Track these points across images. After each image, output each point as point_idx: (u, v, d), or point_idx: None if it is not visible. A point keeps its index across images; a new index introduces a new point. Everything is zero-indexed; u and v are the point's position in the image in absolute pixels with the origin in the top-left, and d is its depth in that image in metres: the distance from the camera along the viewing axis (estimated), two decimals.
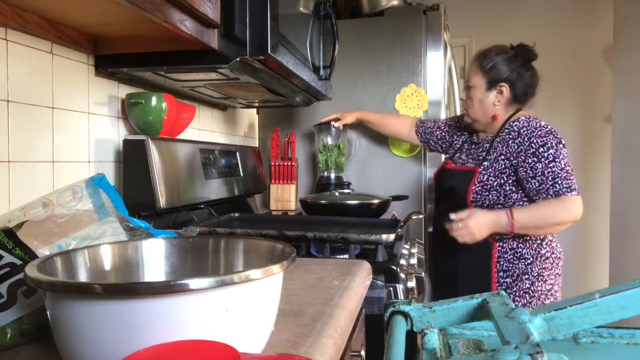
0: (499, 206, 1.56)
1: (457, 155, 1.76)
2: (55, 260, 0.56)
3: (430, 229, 1.96)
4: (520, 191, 1.55)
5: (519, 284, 1.55)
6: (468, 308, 0.57)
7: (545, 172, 1.48)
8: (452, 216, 1.52)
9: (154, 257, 0.68)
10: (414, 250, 1.40)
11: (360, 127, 2.13)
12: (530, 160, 1.50)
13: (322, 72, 1.64)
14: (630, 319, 0.50)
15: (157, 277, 0.67)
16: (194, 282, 0.44)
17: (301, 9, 1.44)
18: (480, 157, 1.63)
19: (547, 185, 1.48)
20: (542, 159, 1.49)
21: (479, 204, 1.58)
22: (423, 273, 1.27)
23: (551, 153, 1.48)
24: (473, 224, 1.49)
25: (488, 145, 1.64)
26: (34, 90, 1.00)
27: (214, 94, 1.57)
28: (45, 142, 1.03)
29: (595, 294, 0.51)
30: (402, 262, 1.23)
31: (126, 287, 0.45)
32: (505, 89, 1.59)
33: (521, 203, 1.55)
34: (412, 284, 1.16)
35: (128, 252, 0.66)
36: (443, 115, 2.11)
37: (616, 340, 0.62)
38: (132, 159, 1.23)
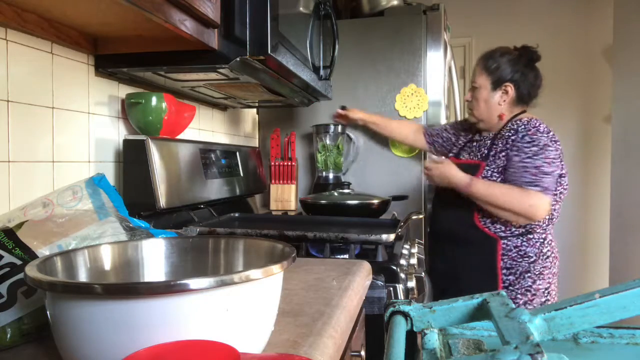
0: None
1: (461, 153, 1.79)
2: (55, 260, 0.56)
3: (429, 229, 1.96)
4: None
5: (521, 281, 1.57)
6: (468, 308, 0.57)
7: (520, 164, 1.53)
8: (433, 157, 1.70)
9: (154, 257, 0.68)
10: (414, 250, 1.40)
11: (360, 127, 2.13)
12: (513, 153, 1.55)
13: (322, 72, 1.64)
14: (630, 319, 0.50)
15: (157, 277, 0.67)
16: (194, 282, 0.44)
17: (301, 9, 1.44)
18: (484, 154, 1.65)
19: (517, 176, 1.53)
20: (522, 154, 1.54)
21: None
22: (423, 273, 1.27)
23: (533, 150, 1.53)
24: (441, 170, 1.61)
25: (489, 142, 1.66)
26: (34, 90, 1.00)
27: (214, 94, 1.57)
28: (45, 142, 1.03)
29: (595, 294, 0.51)
30: (402, 262, 1.23)
31: (126, 287, 0.45)
32: (510, 88, 1.62)
33: None
34: (412, 284, 1.16)
35: (128, 252, 0.66)
36: (443, 115, 2.11)
37: (616, 340, 0.62)
38: (132, 159, 1.23)
